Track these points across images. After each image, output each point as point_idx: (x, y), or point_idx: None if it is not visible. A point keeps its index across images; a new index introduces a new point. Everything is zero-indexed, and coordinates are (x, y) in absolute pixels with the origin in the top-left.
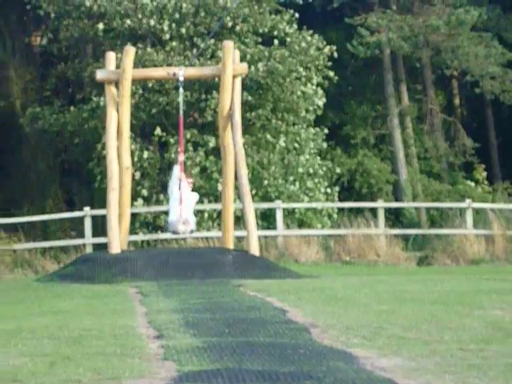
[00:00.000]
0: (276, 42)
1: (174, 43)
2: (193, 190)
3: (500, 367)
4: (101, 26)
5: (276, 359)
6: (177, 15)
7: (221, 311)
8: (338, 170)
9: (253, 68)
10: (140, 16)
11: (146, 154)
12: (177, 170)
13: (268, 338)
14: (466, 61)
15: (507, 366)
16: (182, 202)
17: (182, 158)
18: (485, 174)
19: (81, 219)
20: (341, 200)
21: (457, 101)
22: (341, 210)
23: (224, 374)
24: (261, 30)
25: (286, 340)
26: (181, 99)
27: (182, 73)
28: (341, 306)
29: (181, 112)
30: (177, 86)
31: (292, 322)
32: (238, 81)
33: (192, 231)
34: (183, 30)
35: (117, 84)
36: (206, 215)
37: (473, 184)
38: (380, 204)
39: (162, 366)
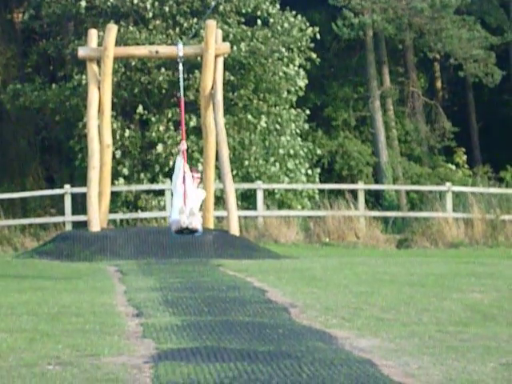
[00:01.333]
0: (259, 22)
1: (156, 22)
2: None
3: (478, 349)
4: (83, 3)
5: (255, 338)
6: None
7: (200, 290)
8: (319, 152)
9: (235, 48)
10: None
11: (127, 133)
12: (180, 162)
13: (247, 317)
14: (450, 44)
15: (485, 348)
16: (186, 199)
17: (184, 145)
18: (465, 157)
19: (61, 197)
20: (321, 181)
21: (438, 84)
22: (321, 191)
23: (203, 352)
24: (244, 10)
25: (265, 319)
26: (181, 77)
27: (181, 47)
28: (320, 286)
29: (181, 92)
30: (158, 65)
31: (271, 302)
32: (221, 60)
33: (198, 232)
34: (166, 9)
35: (98, 62)
36: None
37: (453, 167)
38: (360, 186)
39: (140, 343)
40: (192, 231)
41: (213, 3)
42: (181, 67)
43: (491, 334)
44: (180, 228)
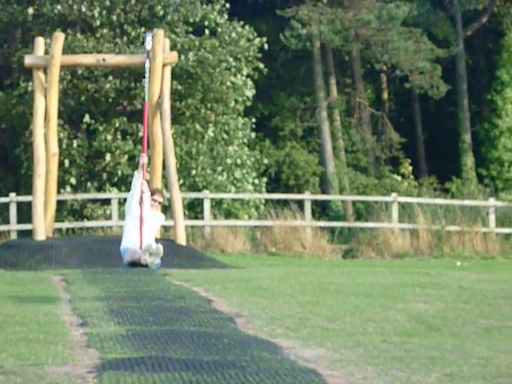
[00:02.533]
0: (206, 32)
1: (104, 30)
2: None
3: (422, 360)
4: (30, 10)
5: (200, 348)
6: (107, 2)
7: (145, 300)
8: (266, 161)
9: (183, 57)
10: (70, 2)
11: (75, 143)
12: (138, 179)
13: (192, 327)
14: (396, 55)
15: (429, 358)
16: (141, 224)
17: (144, 159)
18: (411, 168)
19: (6, 205)
20: (268, 191)
21: (385, 95)
22: (268, 201)
23: (147, 362)
24: (191, 20)
25: (210, 329)
26: (147, 75)
27: (150, 39)
28: (266, 296)
29: (146, 96)
30: (105, 73)
31: (217, 312)
32: (168, 69)
33: (159, 263)
34: (114, 18)
35: (45, 70)
36: None
37: (399, 178)
38: (307, 196)
39: (85, 353)
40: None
41: (169, 14)
42: (147, 64)
43: (435, 345)
44: (135, 262)
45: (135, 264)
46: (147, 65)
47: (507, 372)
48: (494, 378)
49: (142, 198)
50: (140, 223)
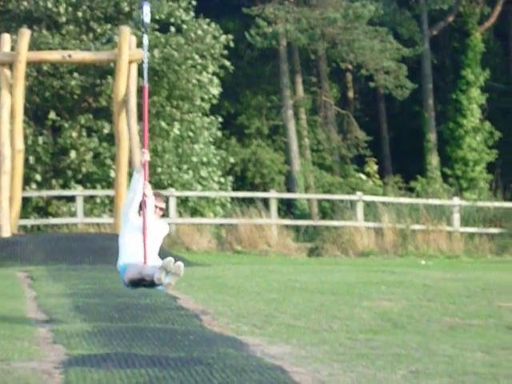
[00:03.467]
0: (172, 29)
1: (70, 27)
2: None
3: (387, 357)
4: None
5: (166, 345)
6: None
7: (111, 297)
8: (232, 160)
9: (148, 54)
10: None
11: (40, 140)
12: (139, 181)
13: (158, 323)
14: (362, 54)
15: (394, 355)
16: (145, 235)
17: (146, 156)
18: (376, 167)
19: None
20: (234, 189)
21: (351, 94)
22: (234, 199)
23: (113, 358)
24: (157, 17)
25: (176, 326)
26: (145, 47)
27: (148, 10)
28: (232, 294)
29: (145, 79)
30: (71, 70)
31: (183, 309)
32: (134, 67)
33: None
34: (79, 14)
35: (11, 66)
36: (98, 201)
37: (364, 177)
38: (272, 194)
39: (51, 349)
40: (156, 284)
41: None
42: (146, 40)
43: (401, 342)
44: (142, 280)
45: (140, 283)
46: (145, 41)
47: (472, 370)
48: (460, 376)
49: (144, 203)
50: (143, 234)
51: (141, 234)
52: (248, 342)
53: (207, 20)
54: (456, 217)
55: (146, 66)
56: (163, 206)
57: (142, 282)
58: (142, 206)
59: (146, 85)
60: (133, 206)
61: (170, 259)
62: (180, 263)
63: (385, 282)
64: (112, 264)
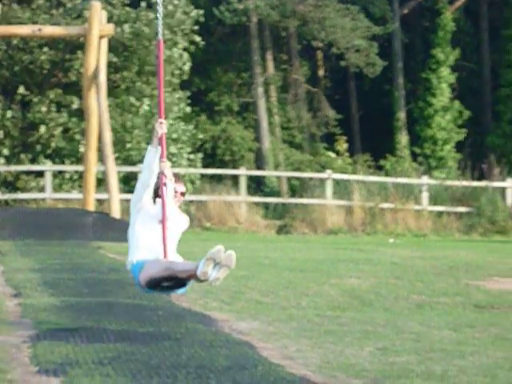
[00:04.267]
0: (143, 4)
1: (40, 1)
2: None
3: (355, 333)
4: None
5: (135, 320)
6: None
7: (80, 272)
8: (202, 136)
9: (119, 29)
10: None
11: (9, 114)
12: (155, 158)
13: (127, 299)
14: (333, 32)
15: (362, 332)
16: (164, 225)
17: (163, 127)
18: (346, 145)
19: None
20: (203, 166)
21: (321, 72)
22: (203, 176)
23: (82, 333)
24: None
25: (145, 302)
26: (160, 8)
27: None
28: None
29: (160, 32)
30: (40, 44)
31: None
32: (104, 42)
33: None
34: None
35: None
36: (67, 176)
37: (334, 155)
38: (242, 172)
39: (19, 323)
40: (177, 286)
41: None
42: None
43: (368, 319)
44: (168, 279)
45: (159, 284)
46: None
47: (439, 347)
48: (427, 353)
49: (164, 184)
50: (162, 224)
51: (158, 223)
52: (216, 318)
53: None
54: (425, 195)
55: (159, 16)
56: (184, 189)
57: (163, 283)
58: (158, 190)
59: (161, 38)
60: (148, 190)
61: (220, 247)
62: (232, 252)
63: (353, 260)
64: (81, 239)
